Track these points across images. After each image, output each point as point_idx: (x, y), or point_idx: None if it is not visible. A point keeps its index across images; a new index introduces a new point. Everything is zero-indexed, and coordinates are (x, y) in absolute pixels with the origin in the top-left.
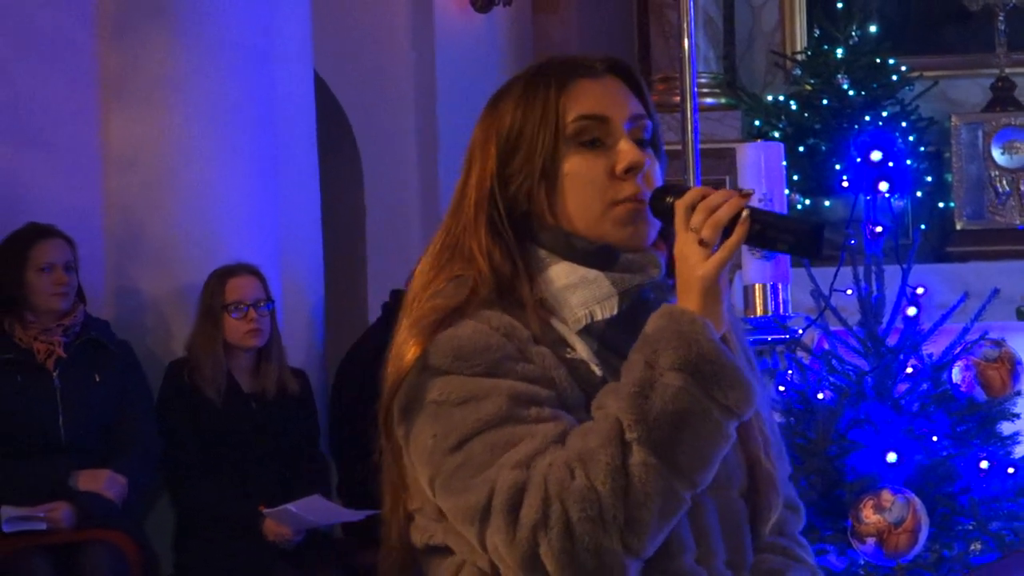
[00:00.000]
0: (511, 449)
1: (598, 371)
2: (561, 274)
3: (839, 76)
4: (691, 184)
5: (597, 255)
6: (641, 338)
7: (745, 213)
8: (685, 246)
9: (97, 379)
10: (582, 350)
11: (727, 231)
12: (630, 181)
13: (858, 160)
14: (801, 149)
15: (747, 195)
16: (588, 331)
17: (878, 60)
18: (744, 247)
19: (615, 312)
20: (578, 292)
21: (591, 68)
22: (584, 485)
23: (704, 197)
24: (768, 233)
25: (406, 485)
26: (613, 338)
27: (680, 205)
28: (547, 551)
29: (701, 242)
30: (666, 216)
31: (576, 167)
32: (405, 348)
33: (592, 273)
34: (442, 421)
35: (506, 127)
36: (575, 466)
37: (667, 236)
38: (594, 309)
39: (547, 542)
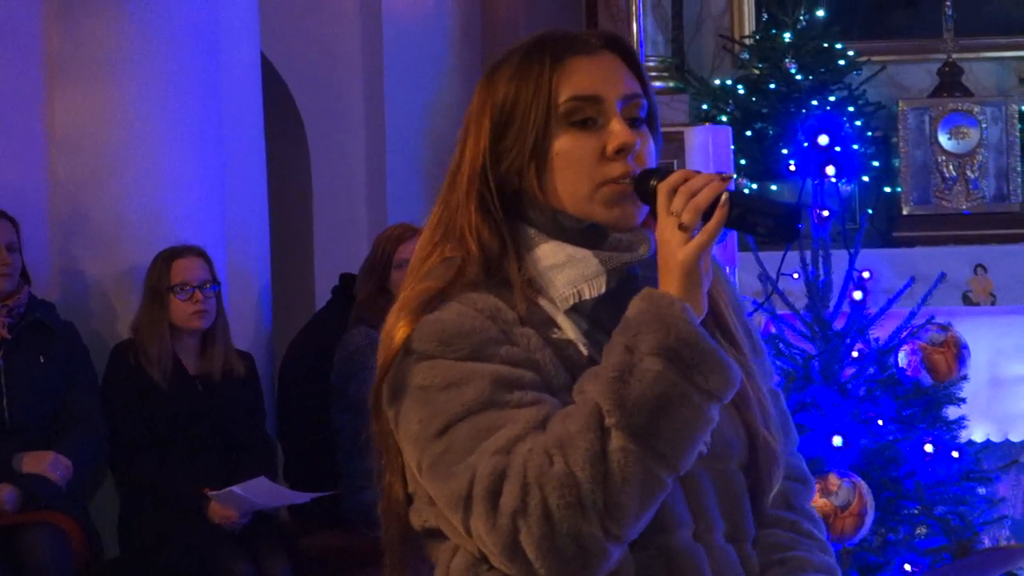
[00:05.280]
0: (493, 435)
1: (585, 351)
2: (549, 253)
3: (787, 60)
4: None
5: (586, 234)
6: (623, 322)
7: (725, 197)
8: (665, 230)
9: (42, 361)
10: (570, 330)
11: (707, 215)
12: (620, 161)
13: (805, 144)
14: (749, 133)
15: (727, 179)
16: (577, 310)
17: (826, 45)
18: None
19: (603, 290)
20: (565, 271)
21: (587, 44)
22: (563, 471)
23: (686, 180)
24: (748, 217)
25: (402, 466)
26: (603, 317)
27: (662, 188)
28: (527, 538)
29: (681, 226)
30: (650, 199)
31: (566, 147)
32: (394, 331)
33: (580, 252)
34: (427, 406)
35: (499, 101)
36: (554, 452)
37: (656, 216)
38: (582, 288)
39: (527, 529)
